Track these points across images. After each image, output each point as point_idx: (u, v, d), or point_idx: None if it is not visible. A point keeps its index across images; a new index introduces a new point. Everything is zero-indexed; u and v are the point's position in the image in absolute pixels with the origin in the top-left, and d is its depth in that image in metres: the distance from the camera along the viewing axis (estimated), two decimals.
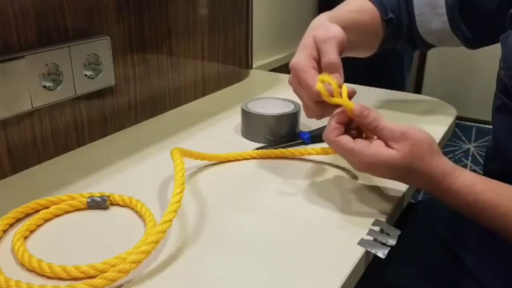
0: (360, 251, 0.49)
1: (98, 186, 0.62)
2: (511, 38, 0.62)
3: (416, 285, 0.70)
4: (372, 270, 0.52)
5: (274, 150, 0.70)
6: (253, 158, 0.69)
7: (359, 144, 0.54)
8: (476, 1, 0.72)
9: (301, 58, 0.60)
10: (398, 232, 0.52)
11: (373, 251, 0.49)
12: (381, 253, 0.49)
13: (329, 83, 0.56)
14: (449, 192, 0.54)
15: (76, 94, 0.69)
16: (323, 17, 0.68)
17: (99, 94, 0.74)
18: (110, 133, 0.77)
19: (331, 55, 0.58)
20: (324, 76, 0.57)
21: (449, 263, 0.71)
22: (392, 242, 0.51)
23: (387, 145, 0.54)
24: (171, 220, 0.48)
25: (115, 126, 0.78)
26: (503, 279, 0.66)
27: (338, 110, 0.56)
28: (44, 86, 0.64)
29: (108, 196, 0.57)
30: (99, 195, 0.57)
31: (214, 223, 0.54)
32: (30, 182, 0.63)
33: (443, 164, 0.54)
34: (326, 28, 0.62)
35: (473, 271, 0.68)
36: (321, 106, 0.59)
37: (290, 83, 0.62)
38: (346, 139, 0.55)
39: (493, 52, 0.76)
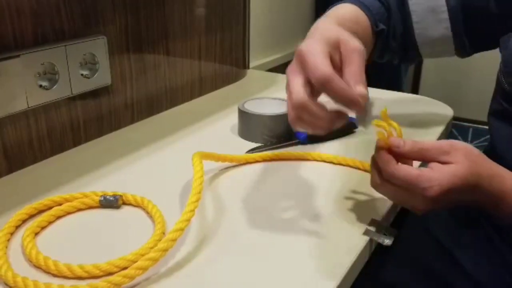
0: (356, 251, 0.49)
1: (94, 186, 0.61)
2: None
3: (412, 286, 0.70)
4: (369, 270, 0.52)
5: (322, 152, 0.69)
6: (257, 161, 0.69)
7: (421, 171, 0.48)
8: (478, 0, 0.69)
9: (314, 43, 0.50)
10: (394, 232, 0.52)
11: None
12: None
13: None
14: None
15: (72, 94, 0.69)
16: (333, 24, 0.60)
17: (95, 93, 0.73)
18: (106, 133, 0.77)
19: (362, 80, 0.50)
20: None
21: (446, 264, 0.71)
22: (389, 242, 0.51)
23: (441, 162, 0.49)
24: (183, 229, 0.48)
25: (111, 126, 0.78)
26: (501, 280, 0.66)
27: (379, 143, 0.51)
28: (40, 86, 0.64)
29: (120, 196, 0.56)
30: (112, 194, 0.57)
31: (220, 226, 0.54)
32: (26, 182, 0.63)
33: (497, 165, 0.52)
34: (352, 36, 0.53)
35: (470, 271, 0.68)
36: (315, 103, 0.49)
37: (289, 72, 0.51)
38: (406, 167, 0.48)
39: (489, 53, 0.75)
